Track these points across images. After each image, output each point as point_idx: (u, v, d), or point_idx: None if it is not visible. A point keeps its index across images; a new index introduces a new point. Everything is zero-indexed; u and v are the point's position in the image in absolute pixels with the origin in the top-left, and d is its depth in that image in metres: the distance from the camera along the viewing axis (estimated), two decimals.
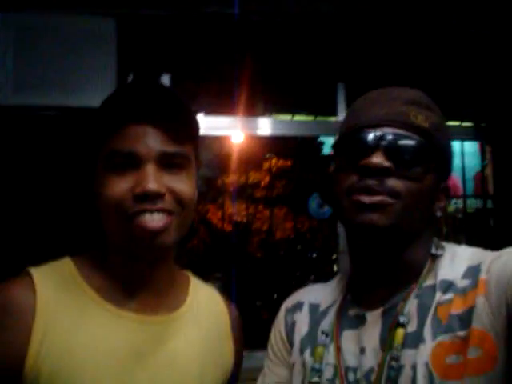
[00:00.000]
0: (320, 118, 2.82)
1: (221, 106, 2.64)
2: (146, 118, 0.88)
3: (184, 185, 0.89)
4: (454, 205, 3.53)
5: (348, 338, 0.90)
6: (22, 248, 2.13)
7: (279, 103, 2.85)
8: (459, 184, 3.24)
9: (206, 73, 2.57)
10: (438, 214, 0.91)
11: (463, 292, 0.81)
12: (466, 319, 0.78)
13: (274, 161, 5.23)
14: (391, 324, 0.85)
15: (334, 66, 2.49)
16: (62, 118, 2.33)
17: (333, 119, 2.65)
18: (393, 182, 0.84)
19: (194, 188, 0.93)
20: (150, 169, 0.86)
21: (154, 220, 0.86)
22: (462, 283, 0.83)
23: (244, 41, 2.45)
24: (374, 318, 0.88)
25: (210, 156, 4.74)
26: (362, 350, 0.86)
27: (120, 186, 0.86)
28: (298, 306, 1.01)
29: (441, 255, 0.89)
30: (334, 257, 5.21)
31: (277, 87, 2.79)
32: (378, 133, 0.86)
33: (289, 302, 1.04)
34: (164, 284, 0.96)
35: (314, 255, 5.73)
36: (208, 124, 2.58)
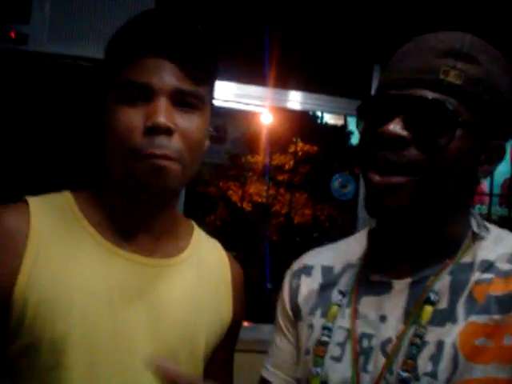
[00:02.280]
0: None
1: (252, 76, 2.62)
2: (166, 51, 0.85)
3: (194, 126, 0.87)
4: (478, 210, 3.47)
5: (368, 303, 0.84)
6: (27, 182, 2.15)
7: (311, 82, 2.81)
8: (486, 190, 3.17)
9: (240, 42, 2.54)
10: (482, 178, 0.80)
11: (506, 275, 0.75)
12: (506, 303, 0.73)
13: (300, 145, 5.20)
14: (419, 298, 0.79)
15: (371, 46, 2.45)
16: (93, 69, 2.33)
17: None
18: (410, 155, 0.74)
19: (204, 132, 0.91)
20: (162, 103, 0.84)
21: (160, 163, 0.83)
22: (506, 266, 0.76)
23: (281, 14, 2.42)
24: (400, 287, 0.82)
25: (238, 133, 4.74)
26: (383, 318, 0.81)
27: (130, 117, 0.84)
28: (305, 270, 0.95)
29: (483, 237, 0.81)
30: None
31: (310, 65, 2.76)
32: (399, 95, 0.76)
33: (294, 266, 0.98)
34: (164, 228, 0.94)
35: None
36: (239, 92, 2.57)
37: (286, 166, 5.26)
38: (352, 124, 2.96)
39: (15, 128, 2.28)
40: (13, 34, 2.29)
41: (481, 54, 0.77)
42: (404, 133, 0.74)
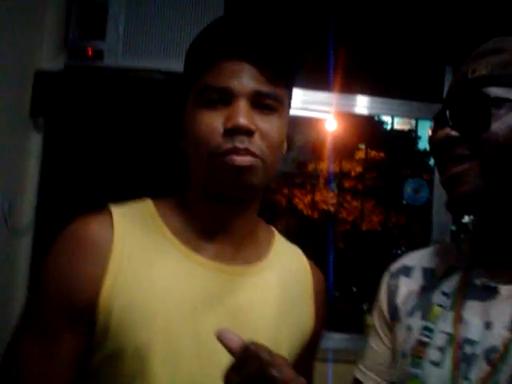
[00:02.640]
0: None
1: (318, 81, 2.62)
2: (243, 54, 0.86)
3: (273, 126, 0.88)
4: None
5: (472, 308, 0.82)
6: (109, 190, 2.23)
7: (379, 86, 2.78)
8: None
9: (307, 47, 2.55)
10: None
11: None
12: None
13: (366, 151, 5.12)
14: None
15: (443, 46, 2.39)
16: (166, 81, 2.40)
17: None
18: (464, 146, 0.79)
19: (283, 133, 0.92)
20: (242, 105, 0.85)
21: (242, 159, 0.85)
22: None
23: (348, 16, 2.41)
24: (507, 292, 0.80)
25: (304, 140, 4.73)
26: (488, 325, 0.79)
27: (210, 121, 0.86)
28: (404, 271, 0.95)
29: None
30: None
31: (378, 69, 2.73)
32: (445, 107, 0.83)
33: (393, 267, 0.99)
34: (245, 234, 0.94)
35: (399, 252, 5.57)
36: (305, 98, 2.57)
37: (353, 173, 5.19)
38: (421, 128, 2.89)
39: (96, 140, 2.38)
40: (90, 51, 2.40)
41: (505, 42, 0.83)
42: (452, 132, 0.80)
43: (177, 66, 2.39)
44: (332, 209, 5.07)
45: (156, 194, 0.99)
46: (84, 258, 0.85)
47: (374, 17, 2.42)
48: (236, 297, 0.90)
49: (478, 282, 0.84)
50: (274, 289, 0.95)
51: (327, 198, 5.02)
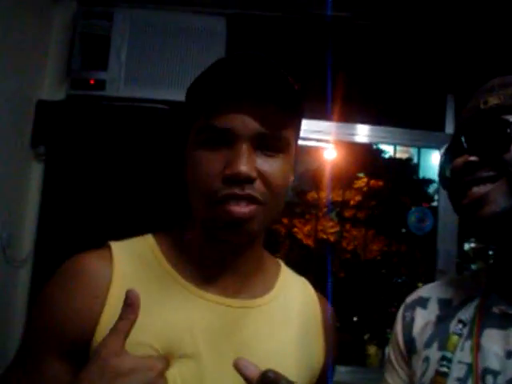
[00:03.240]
0: None
1: (318, 111, 2.63)
2: (247, 95, 0.83)
3: (277, 170, 0.84)
4: None
5: (492, 337, 0.80)
6: (110, 221, 2.22)
7: (379, 114, 2.79)
8: None
9: (307, 76, 2.57)
10: None
11: None
12: None
13: (365, 180, 5.14)
14: None
15: (444, 75, 2.41)
16: (168, 111, 2.41)
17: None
18: (485, 170, 0.80)
19: (289, 174, 0.89)
20: (244, 149, 0.82)
21: (241, 207, 0.81)
22: None
23: (348, 45, 2.43)
24: None
25: (304, 169, 4.74)
26: (509, 354, 0.77)
27: (211, 164, 0.83)
28: (420, 302, 0.94)
29: None
30: (420, 285, 5.02)
31: (378, 97, 2.74)
32: (459, 135, 0.85)
33: (408, 299, 0.97)
34: (249, 267, 0.92)
35: (400, 281, 5.55)
36: (306, 127, 2.57)
37: (352, 202, 5.19)
38: (422, 157, 2.90)
39: (97, 170, 2.37)
40: (92, 81, 2.41)
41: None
42: (472, 158, 0.81)
43: (178, 96, 2.39)
44: (332, 238, 5.05)
45: (158, 227, 0.97)
46: (81, 291, 0.83)
47: (375, 46, 2.45)
48: (241, 332, 0.87)
49: (496, 309, 0.82)
50: (281, 322, 0.92)
51: (327, 227, 5.01)
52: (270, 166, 0.84)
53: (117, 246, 0.89)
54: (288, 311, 0.95)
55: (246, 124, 0.82)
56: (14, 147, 2.29)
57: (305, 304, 0.99)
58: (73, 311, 0.82)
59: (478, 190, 0.79)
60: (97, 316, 0.81)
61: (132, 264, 0.87)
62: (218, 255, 0.90)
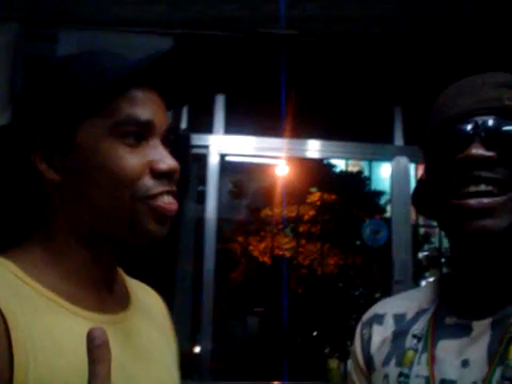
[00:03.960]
0: None
1: (271, 127, 2.64)
2: (151, 80, 0.79)
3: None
4: None
5: (447, 347, 0.80)
6: None
7: (330, 128, 2.83)
8: None
9: (258, 94, 2.58)
10: None
11: None
12: None
13: (318, 194, 5.21)
14: (503, 337, 0.76)
15: (390, 88, 2.47)
16: None
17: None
18: (500, 174, 0.76)
19: None
20: (159, 143, 0.79)
21: (171, 202, 0.80)
22: None
23: (297, 63, 2.46)
24: (481, 328, 0.79)
25: (256, 187, 4.74)
26: (465, 363, 0.77)
27: (134, 161, 0.77)
28: (376, 319, 0.93)
29: None
30: (377, 295, 5.09)
31: (328, 112, 2.78)
32: (472, 122, 0.79)
33: (364, 317, 0.96)
34: (115, 279, 0.88)
35: (357, 293, 5.61)
36: (258, 145, 2.58)
37: (306, 217, 5.24)
38: (372, 169, 2.95)
39: None
40: None
41: None
42: (490, 153, 0.76)
43: None
44: (288, 254, 5.06)
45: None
46: None
47: (323, 62, 2.48)
48: (127, 344, 0.83)
49: (448, 320, 0.83)
50: (149, 326, 0.92)
51: (282, 244, 5.02)
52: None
53: None
54: (147, 313, 0.94)
55: (162, 118, 0.80)
56: None
57: (152, 304, 0.99)
58: None
59: (492, 199, 0.76)
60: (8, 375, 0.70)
61: (13, 305, 0.73)
62: (96, 262, 0.82)
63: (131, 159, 0.77)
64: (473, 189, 0.76)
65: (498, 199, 0.76)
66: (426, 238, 5.02)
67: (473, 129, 0.79)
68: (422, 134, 0.87)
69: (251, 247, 5.21)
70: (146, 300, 0.98)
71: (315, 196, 5.14)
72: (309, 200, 5.19)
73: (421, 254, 4.76)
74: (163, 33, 2.42)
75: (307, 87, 2.57)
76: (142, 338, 0.88)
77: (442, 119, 0.83)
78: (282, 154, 2.74)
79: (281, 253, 5.08)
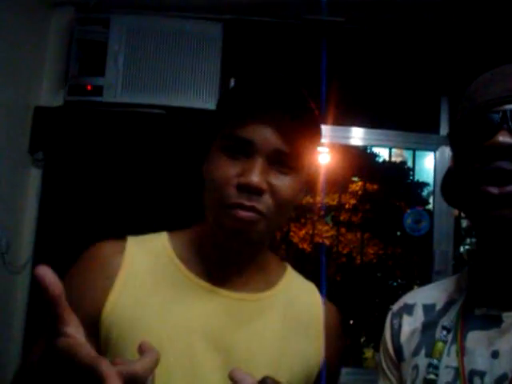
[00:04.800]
0: None
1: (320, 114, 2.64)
2: (271, 111, 0.88)
3: (288, 186, 0.89)
4: None
5: (476, 339, 0.80)
6: (109, 225, 2.24)
7: (373, 117, 2.81)
8: None
9: (302, 80, 2.59)
10: None
11: None
12: None
13: (360, 184, 5.18)
14: None
15: (437, 78, 2.44)
16: (165, 116, 2.42)
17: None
18: None
19: (299, 192, 0.93)
20: (260, 162, 0.87)
21: (244, 214, 0.87)
22: None
23: (343, 49, 2.46)
24: (510, 319, 0.79)
25: None
26: (495, 354, 0.77)
27: (227, 169, 0.88)
28: (406, 309, 0.94)
29: None
30: (415, 287, 5.05)
31: (372, 100, 2.77)
32: (500, 111, 0.79)
33: (395, 307, 0.97)
34: (252, 268, 0.97)
35: (395, 284, 5.57)
36: None
37: (347, 206, 5.22)
38: (416, 160, 2.91)
39: (95, 174, 2.38)
40: (89, 87, 2.43)
41: None
42: None
43: (175, 101, 2.43)
44: (327, 242, 5.07)
45: (174, 226, 1.04)
46: (96, 272, 0.92)
47: (369, 49, 2.47)
48: (238, 328, 0.91)
49: (478, 312, 0.83)
50: (279, 320, 0.95)
51: (322, 231, 5.04)
52: (281, 181, 0.89)
53: (131, 239, 0.97)
54: (288, 310, 0.97)
55: (267, 139, 0.88)
56: (12, 153, 2.30)
57: (307, 306, 1.01)
58: (89, 288, 0.91)
59: (510, 187, 0.75)
60: (106, 293, 0.89)
61: (141, 255, 0.95)
62: (224, 255, 0.95)
63: (224, 168, 0.89)
64: (497, 177, 0.76)
65: None
66: (469, 231, 4.94)
67: (501, 117, 0.79)
68: (453, 122, 0.86)
69: (291, 233, 5.24)
70: (299, 299, 1.01)
71: (357, 185, 5.12)
72: (350, 189, 5.18)
73: (462, 248, 4.70)
74: (212, 18, 2.46)
75: (352, 74, 2.57)
76: (255, 324, 0.93)
77: (471, 107, 0.83)
78: (325, 141, 2.73)
79: (320, 240, 5.10)
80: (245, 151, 0.88)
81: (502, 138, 0.77)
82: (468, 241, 4.96)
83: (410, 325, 0.92)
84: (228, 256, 0.95)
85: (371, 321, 5.28)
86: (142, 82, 2.44)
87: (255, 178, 0.86)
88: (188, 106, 2.40)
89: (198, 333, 0.88)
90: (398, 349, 0.92)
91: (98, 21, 2.43)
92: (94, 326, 0.88)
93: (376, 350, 4.60)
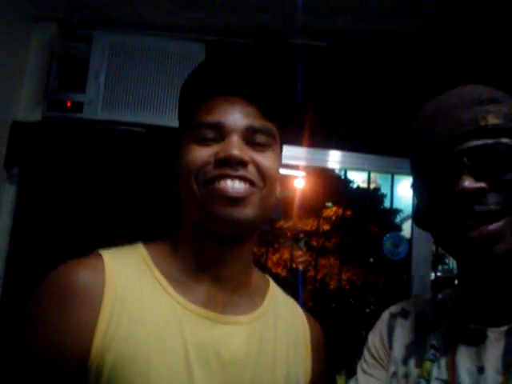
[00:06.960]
0: None
1: (292, 136, 2.64)
2: (234, 90, 0.87)
3: (268, 161, 0.87)
4: None
5: (465, 353, 0.81)
6: (83, 243, 2.18)
7: (352, 141, 2.83)
8: None
9: (286, 102, 2.60)
10: None
11: None
12: None
13: (333, 209, 5.20)
14: None
15: (417, 103, 2.48)
16: (146, 134, 2.40)
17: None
18: (494, 200, 0.75)
19: (278, 169, 0.90)
20: (235, 139, 0.84)
21: (235, 187, 0.82)
22: None
23: (325, 72, 2.49)
24: (496, 335, 0.80)
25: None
26: (481, 370, 0.78)
27: (203, 153, 0.85)
28: (403, 313, 0.96)
29: None
30: None
31: (350, 123, 2.79)
32: (453, 154, 0.78)
33: (393, 309, 0.99)
34: (237, 282, 0.91)
35: (368, 310, 5.56)
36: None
37: (320, 231, 5.23)
38: (390, 186, 2.94)
39: (71, 191, 2.34)
40: (69, 103, 2.40)
41: (500, 95, 0.83)
42: (481, 184, 0.76)
43: (156, 119, 2.41)
44: (301, 267, 5.05)
45: (147, 237, 0.96)
46: (74, 304, 0.78)
47: (346, 71, 2.51)
48: (229, 348, 0.85)
49: (466, 327, 0.84)
50: (268, 340, 0.91)
51: (295, 257, 5.02)
52: (260, 157, 0.86)
53: (107, 255, 0.85)
54: (276, 329, 0.94)
55: (236, 118, 0.85)
56: None
57: (293, 323, 0.98)
58: (72, 326, 0.78)
59: (490, 226, 0.75)
60: (91, 331, 0.78)
61: (123, 274, 0.84)
62: (206, 257, 0.89)
63: (198, 153, 0.85)
64: (472, 221, 0.76)
65: (498, 224, 0.76)
66: (441, 258, 5.00)
67: (456, 161, 0.78)
68: (412, 155, 0.86)
69: (265, 257, 5.21)
70: (284, 316, 0.98)
71: (331, 210, 5.14)
72: (324, 214, 5.19)
73: (432, 275, 4.73)
74: (195, 38, 2.47)
75: (329, 98, 2.59)
76: (243, 346, 0.87)
77: (423, 151, 0.83)
78: (302, 163, 2.73)
79: (294, 265, 5.07)
80: (217, 137, 0.85)
81: (466, 183, 0.76)
82: (440, 268, 5.01)
83: (404, 329, 0.94)
84: (211, 263, 0.88)
85: (342, 348, 5.25)
86: (123, 100, 2.42)
87: (235, 150, 0.82)
88: (169, 125, 2.39)
89: (192, 354, 0.83)
90: (390, 347, 0.93)
91: (81, 37, 2.42)
92: (78, 368, 0.77)
93: (348, 376, 4.57)
